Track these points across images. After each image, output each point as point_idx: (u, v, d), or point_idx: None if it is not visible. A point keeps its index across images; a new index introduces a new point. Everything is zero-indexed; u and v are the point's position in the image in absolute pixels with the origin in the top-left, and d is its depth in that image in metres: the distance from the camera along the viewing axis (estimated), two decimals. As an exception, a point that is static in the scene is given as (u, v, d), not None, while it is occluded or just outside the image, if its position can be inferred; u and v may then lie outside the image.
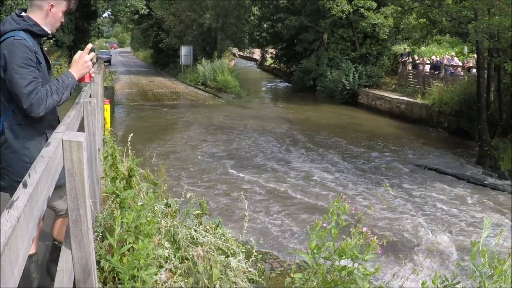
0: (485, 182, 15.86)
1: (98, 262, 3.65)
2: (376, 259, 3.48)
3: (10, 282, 1.66)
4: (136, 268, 3.48)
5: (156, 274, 3.74)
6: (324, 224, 3.58)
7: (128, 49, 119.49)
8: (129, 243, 3.64)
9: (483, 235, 3.09)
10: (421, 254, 10.05)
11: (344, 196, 3.72)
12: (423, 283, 3.23)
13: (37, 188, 2.11)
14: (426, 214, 12.94)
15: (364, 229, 3.53)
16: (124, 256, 3.59)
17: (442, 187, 15.27)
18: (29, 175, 2.18)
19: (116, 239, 3.56)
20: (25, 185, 2.04)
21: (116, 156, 5.67)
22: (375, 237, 3.49)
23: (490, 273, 2.97)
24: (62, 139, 2.67)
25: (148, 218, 3.88)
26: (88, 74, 3.80)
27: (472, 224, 12.18)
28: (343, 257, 3.40)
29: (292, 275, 3.72)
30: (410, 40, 28.82)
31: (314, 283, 3.43)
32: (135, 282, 3.50)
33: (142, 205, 4.10)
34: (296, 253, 3.64)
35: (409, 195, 14.55)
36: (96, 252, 3.54)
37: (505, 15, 16.37)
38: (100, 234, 4.09)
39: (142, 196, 4.62)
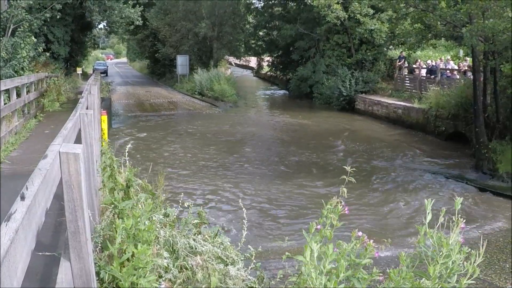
0: (483, 185, 15.86)
1: (97, 274, 3.64)
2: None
3: (9, 295, 1.66)
4: (135, 276, 3.49)
5: (156, 282, 3.74)
6: (318, 226, 3.61)
7: (125, 59, 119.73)
8: (129, 252, 3.64)
9: (428, 218, 3.36)
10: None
11: (337, 198, 3.74)
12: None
13: (35, 200, 2.12)
14: (420, 216, 12.91)
15: (360, 233, 3.55)
16: (124, 266, 3.59)
17: (441, 190, 15.27)
18: (27, 188, 2.18)
19: (116, 248, 3.56)
20: (22, 198, 2.04)
21: (114, 167, 5.68)
22: (372, 241, 3.51)
23: (441, 252, 3.19)
24: (59, 151, 2.68)
25: (147, 225, 3.88)
26: None
27: (469, 224, 12.16)
28: (341, 262, 3.42)
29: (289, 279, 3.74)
30: (405, 45, 28.87)
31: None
32: (134, 289, 3.50)
33: (140, 212, 4.10)
34: (294, 258, 3.65)
35: (405, 197, 14.57)
36: (95, 263, 3.54)
37: (499, 18, 16.42)
38: (99, 245, 4.09)
39: (140, 207, 4.62)
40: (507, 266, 9.86)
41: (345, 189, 3.81)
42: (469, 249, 3.23)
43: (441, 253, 3.16)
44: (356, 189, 15.05)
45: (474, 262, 3.13)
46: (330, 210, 3.65)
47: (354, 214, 12.75)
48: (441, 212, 3.37)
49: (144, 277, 3.55)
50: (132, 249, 3.58)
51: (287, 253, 4.21)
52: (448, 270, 3.16)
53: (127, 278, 3.49)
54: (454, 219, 3.35)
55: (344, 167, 3.97)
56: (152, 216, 4.63)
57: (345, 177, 3.95)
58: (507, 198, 14.50)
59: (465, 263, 3.17)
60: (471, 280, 3.12)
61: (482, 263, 3.22)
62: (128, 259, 3.61)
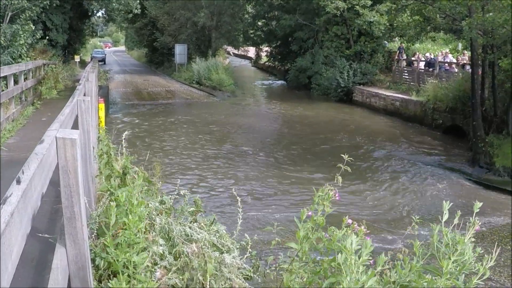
0: (479, 179, 15.90)
1: (93, 260, 3.65)
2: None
3: (4, 277, 1.66)
4: (128, 253, 3.50)
5: (146, 259, 3.74)
6: (309, 213, 3.62)
7: (123, 48, 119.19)
8: (123, 234, 3.65)
9: (444, 217, 3.39)
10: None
11: (328, 186, 3.75)
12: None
13: (31, 184, 2.11)
14: (416, 208, 12.99)
15: (350, 221, 3.57)
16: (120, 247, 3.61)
17: (437, 183, 15.30)
18: (23, 172, 2.18)
19: (112, 230, 3.58)
20: (18, 182, 2.04)
21: (111, 154, 5.68)
22: (363, 226, 3.53)
23: (455, 250, 3.23)
24: (56, 137, 2.68)
25: (138, 200, 3.90)
26: None
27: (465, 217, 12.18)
28: (332, 249, 3.45)
29: (279, 265, 3.76)
30: (403, 37, 28.82)
31: (304, 274, 3.47)
32: (128, 269, 3.51)
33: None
34: (286, 244, 3.67)
35: (401, 189, 14.61)
36: (91, 250, 3.55)
37: (499, 12, 16.40)
38: (95, 231, 4.09)
39: (137, 194, 4.62)
40: (502, 260, 9.91)
41: (340, 177, 3.83)
42: (482, 250, 3.27)
43: (455, 250, 3.16)
44: (350, 179, 15.10)
45: (486, 264, 3.15)
46: (321, 197, 3.67)
47: (346, 204, 12.83)
48: (457, 214, 3.41)
49: (137, 254, 3.57)
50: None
51: (277, 239, 4.25)
52: (459, 268, 3.17)
53: (120, 254, 3.49)
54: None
55: (341, 155, 3.98)
56: (148, 203, 4.64)
57: (341, 165, 3.97)
58: (502, 193, 14.55)
59: (475, 263, 3.18)
60: (480, 280, 3.13)
61: (479, 257, 3.23)
62: (121, 241, 3.62)
